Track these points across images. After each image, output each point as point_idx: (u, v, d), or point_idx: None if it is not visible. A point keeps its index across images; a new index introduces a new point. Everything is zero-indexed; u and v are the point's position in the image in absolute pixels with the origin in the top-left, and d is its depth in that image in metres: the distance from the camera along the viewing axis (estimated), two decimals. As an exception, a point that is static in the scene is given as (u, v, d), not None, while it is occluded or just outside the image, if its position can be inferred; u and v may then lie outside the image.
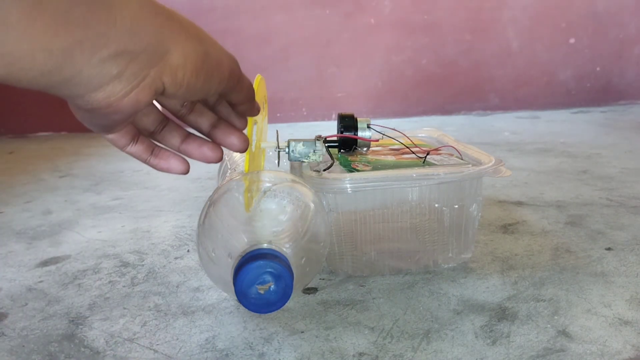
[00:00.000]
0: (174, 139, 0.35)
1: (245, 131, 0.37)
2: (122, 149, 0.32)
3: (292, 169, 0.51)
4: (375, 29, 1.67)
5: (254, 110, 0.35)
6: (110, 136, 0.31)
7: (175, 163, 0.34)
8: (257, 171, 0.44)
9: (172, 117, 0.35)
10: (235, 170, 0.52)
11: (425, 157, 0.52)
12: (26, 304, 0.48)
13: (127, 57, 0.24)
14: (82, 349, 0.40)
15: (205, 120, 0.35)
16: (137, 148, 0.33)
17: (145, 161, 0.34)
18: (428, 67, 1.70)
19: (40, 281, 0.53)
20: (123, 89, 0.25)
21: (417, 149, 0.55)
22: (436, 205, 0.48)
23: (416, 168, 0.48)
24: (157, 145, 0.34)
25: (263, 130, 0.51)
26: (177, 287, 0.50)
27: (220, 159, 0.36)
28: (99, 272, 0.54)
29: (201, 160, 0.35)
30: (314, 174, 0.46)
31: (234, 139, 0.35)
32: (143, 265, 0.55)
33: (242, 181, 0.43)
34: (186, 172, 0.35)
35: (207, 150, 0.35)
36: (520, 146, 1.13)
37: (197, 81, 0.28)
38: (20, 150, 1.40)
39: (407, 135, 0.58)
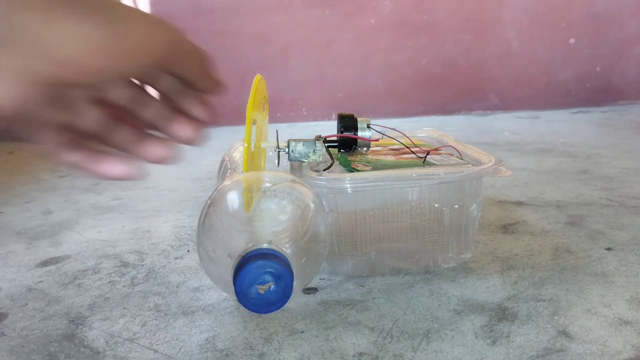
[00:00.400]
0: (124, 139, 0.30)
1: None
2: (58, 161, 0.28)
3: (292, 169, 0.51)
4: (375, 29, 1.67)
5: (211, 85, 0.30)
6: (39, 147, 0.26)
7: (116, 166, 0.29)
8: (257, 171, 0.44)
9: (122, 114, 0.30)
10: (235, 170, 0.52)
11: (425, 157, 0.52)
12: (26, 304, 0.48)
13: None
14: (82, 349, 0.40)
15: (153, 111, 0.30)
16: (76, 157, 0.28)
17: (84, 170, 0.29)
18: (428, 67, 1.70)
19: (40, 281, 0.53)
20: None
21: (417, 149, 0.55)
22: (436, 205, 0.48)
23: (416, 168, 0.48)
24: (99, 148, 0.29)
25: (263, 131, 0.51)
26: (177, 287, 0.50)
27: (175, 158, 0.31)
28: (99, 272, 0.54)
29: (155, 162, 0.30)
30: (314, 174, 0.46)
31: (185, 128, 0.30)
32: (143, 265, 0.55)
33: (241, 181, 0.43)
34: (131, 177, 0.29)
35: (160, 149, 0.30)
36: (520, 146, 1.13)
37: (104, 64, 0.23)
38: (21, 151, 1.40)
39: (407, 135, 0.58)
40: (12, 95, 0.21)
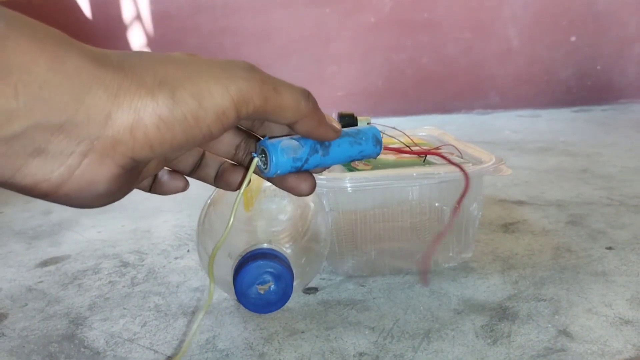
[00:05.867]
0: (212, 172, 0.30)
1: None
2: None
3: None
4: (375, 27, 1.67)
5: (324, 133, 0.27)
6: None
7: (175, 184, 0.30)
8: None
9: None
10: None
11: (426, 156, 0.52)
12: (26, 304, 0.48)
13: (43, 130, 0.20)
14: (82, 350, 0.40)
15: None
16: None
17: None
18: (428, 65, 1.70)
19: (40, 281, 0.53)
20: (56, 169, 0.21)
21: (418, 147, 0.55)
22: (436, 204, 0.48)
23: (416, 167, 0.48)
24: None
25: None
26: (177, 287, 0.50)
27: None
28: (99, 272, 0.54)
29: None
30: (314, 173, 0.46)
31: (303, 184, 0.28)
32: (143, 265, 0.55)
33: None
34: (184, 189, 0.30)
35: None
36: (520, 145, 1.12)
37: (175, 136, 0.22)
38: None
39: (408, 134, 0.58)
40: (92, 178, 0.22)
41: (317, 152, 0.27)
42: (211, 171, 0.30)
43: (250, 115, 0.24)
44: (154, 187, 0.30)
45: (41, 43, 0.19)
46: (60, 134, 0.20)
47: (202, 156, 0.29)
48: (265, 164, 0.26)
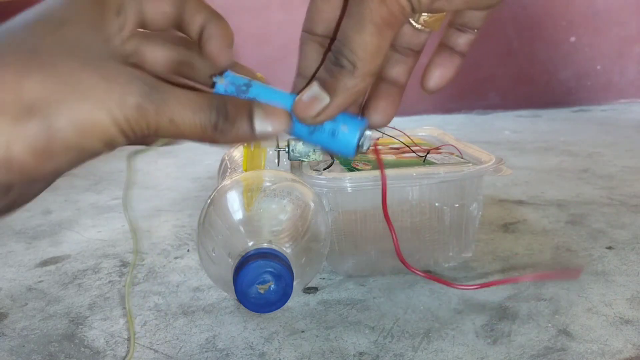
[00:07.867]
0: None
1: None
2: None
3: (292, 169, 0.51)
4: (375, 27, 1.67)
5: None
6: None
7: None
8: (257, 170, 0.44)
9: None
10: (235, 170, 0.52)
11: (426, 156, 0.52)
12: (26, 304, 0.48)
13: None
14: (82, 349, 0.40)
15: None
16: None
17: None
18: (428, 65, 1.70)
19: (40, 281, 0.53)
20: None
21: (418, 147, 0.55)
22: (436, 204, 0.48)
23: (416, 167, 0.48)
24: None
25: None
26: (177, 286, 0.50)
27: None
28: (99, 272, 0.54)
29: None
30: (314, 173, 0.46)
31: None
32: (143, 264, 0.55)
33: (241, 181, 0.42)
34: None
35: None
36: (520, 145, 1.12)
37: (58, 165, 0.21)
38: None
39: (407, 134, 0.58)
40: None
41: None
42: None
43: (147, 135, 0.22)
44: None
45: None
46: None
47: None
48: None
